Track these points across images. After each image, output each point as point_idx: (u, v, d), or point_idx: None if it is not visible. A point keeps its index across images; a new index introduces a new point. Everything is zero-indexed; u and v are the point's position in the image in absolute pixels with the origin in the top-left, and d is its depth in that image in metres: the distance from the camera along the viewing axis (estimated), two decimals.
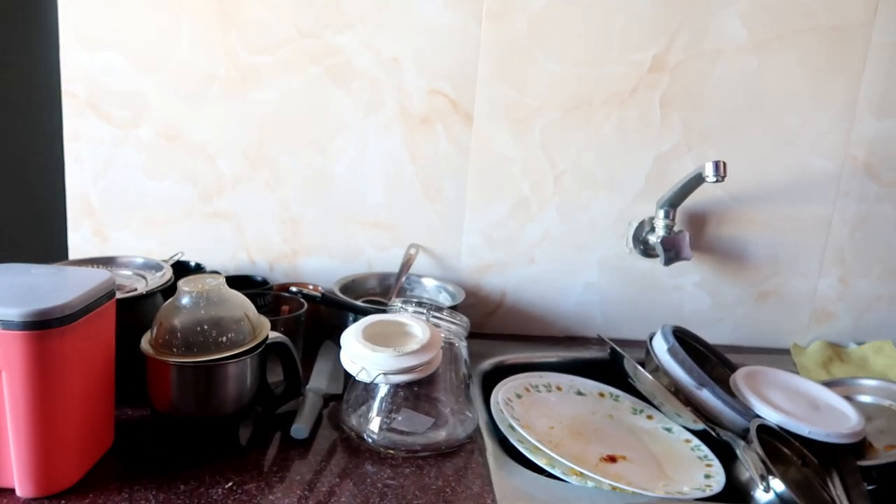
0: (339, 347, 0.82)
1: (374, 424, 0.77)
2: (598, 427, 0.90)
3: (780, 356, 1.14)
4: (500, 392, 0.88)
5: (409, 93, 1.08)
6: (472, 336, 0.87)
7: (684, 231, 1.08)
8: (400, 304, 0.85)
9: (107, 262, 0.91)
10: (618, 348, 0.94)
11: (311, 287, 0.99)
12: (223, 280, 0.77)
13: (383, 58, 1.07)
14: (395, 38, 1.06)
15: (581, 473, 0.73)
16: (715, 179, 0.94)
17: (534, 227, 1.13)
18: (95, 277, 0.68)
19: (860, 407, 0.91)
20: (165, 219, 1.10)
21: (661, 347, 0.93)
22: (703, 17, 1.07)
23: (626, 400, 0.97)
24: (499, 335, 1.15)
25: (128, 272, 0.89)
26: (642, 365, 0.92)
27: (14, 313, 0.59)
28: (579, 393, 0.97)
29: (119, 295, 0.74)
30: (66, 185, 1.09)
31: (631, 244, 1.13)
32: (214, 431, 0.76)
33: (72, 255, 1.10)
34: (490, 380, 0.96)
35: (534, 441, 0.76)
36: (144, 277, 0.88)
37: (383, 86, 1.08)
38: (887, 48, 1.09)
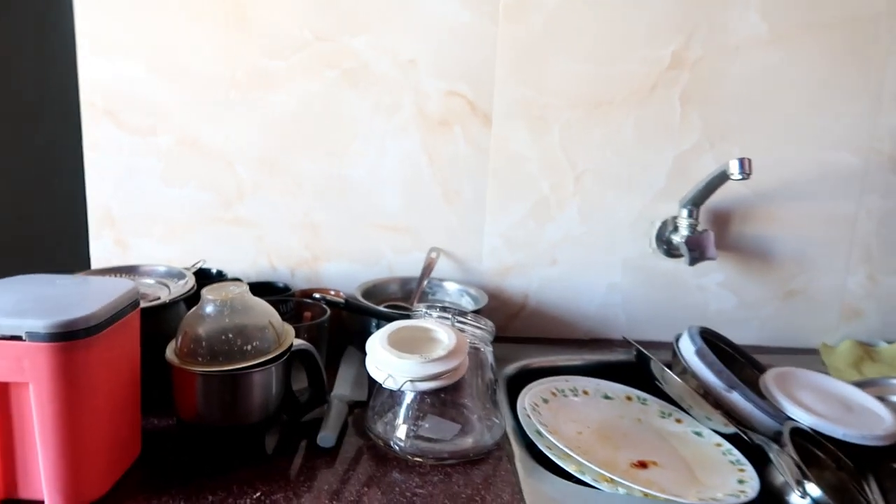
0: (363, 353, 0.81)
1: (401, 432, 0.76)
2: (627, 431, 0.89)
3: (808, 356, 1.12)
4: (527, 397, 0.87)
5: (427, 95, 1.07)
6: (495, 340, 0.86)
7: (709, 230, 1.06)
8: (424, 310, 0.84)
9: (129, 270, 0.91)
10: (644, 350, 0.93)
11: (332, 293, 0.99)
12: (247, 287, 0.76)
13: (400, 60, 1.06)
14: (412, 40, 1.05)
15: (612, 480, 0.72)
16: (740, 177, 0.93)
17: (554, 227, 1.12)
18: (119, 287, 0.68)
19: (894, 407, 0.89)
20: (185, 226, 1.10)
21: (688, 349, 0.92)
22: (722, 12, 1.06)
23: (654, 403, 0.95)
24: (522, 338, 1.14)
25: (150, 281, 0.89)
26: (669, 367, 0.90)
27: (40, 325, 0.59)
28: (606, 397, 0.95)
29: (143, 304, 0.74)
30: (87, 195, 1.09)
31: (654, 244, 1.12)
32: (241, 440, 0.75)
33: (94, 265, 1.11)
34: (515, 384, 0.95)
35: (563, 447, 0.75)
36: (167, 286, 0.87)
37: (400, 88, 1.07)
38: None
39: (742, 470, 0.79)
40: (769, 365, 0.97)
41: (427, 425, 0.77)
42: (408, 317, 0.87)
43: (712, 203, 1.08)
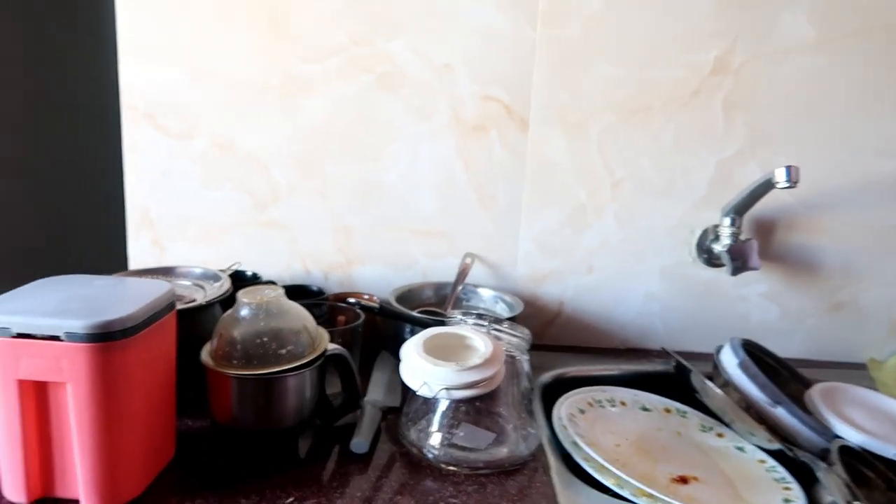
0: (397, 358, 0.80)
1: (435, 439, 0.75)
2: (666, 445, 0.86)
3: (855, 371, 1.08)
4: (563, 407, 0.86)
5: (462, 99, 1.06)
6: (530, 348, 0.84)
7: (752, 239, 1.03)
8: (460, 316, 0.83)
9: (166, 272, 0.92)
10: (684, 362, 0.90)
11: (366, 297, 0.98)
12: (282, 291, 0.76)
13: (435, 64, 1.05)
14: (448, 44, 1.05)
15: (651, 495, 0.70)
16: (787, 185, 0.90)
17: (591, 234, 1.10)
18: (156, 289, 0.68)
19: None
20: (221, 229, 1.11)
21: (730, 362, 0.89)
22: (768, 16, 1.03)
23: (694, 416, 0.92)
24: (557, 347, 1.12)
25: (187, 282, 0.90)
26: (710, 379, 0.88)
27: (78, 325, 0.59)
28: (644, 408, 0.93)
29: (179, 306, 0.74)
30: (126, 197, 1.10)
31: (694, 253, 1.09)
32: (274, 444, 0.75)
33: (132, 266, 1.12)
34: (550, 393, 0.93)
35: (601, 460, 0.73)
36: (203, 288, 0.88)
37: (435, 92, 1.06)
38: None
39: (787, 488, 0.76)
40: (814, 379, 0.94)
41: (461, 434, 0.76)
42: (442, 323, 0.86)
43: (755, 212, 1.05)
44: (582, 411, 0.88)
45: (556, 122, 1.07)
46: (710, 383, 0.85)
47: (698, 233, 1.08)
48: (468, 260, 1.09)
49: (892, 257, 1.10)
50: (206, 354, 0.74)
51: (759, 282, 1.11)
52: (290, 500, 0.66)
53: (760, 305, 1.12)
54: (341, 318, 0.98)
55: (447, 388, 0.73)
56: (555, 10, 1.03)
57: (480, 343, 0.77)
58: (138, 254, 1.12)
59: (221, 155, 1.08)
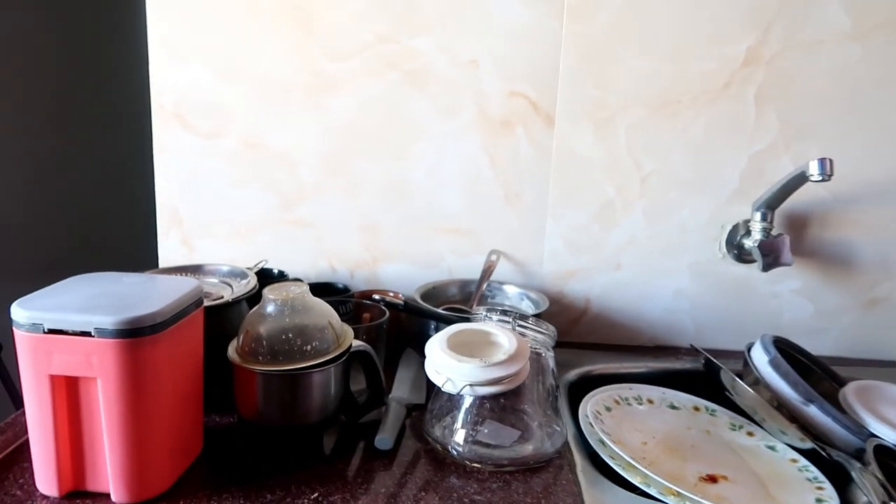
0: (421, 356, 0.80)
1: (459, 436, 0.75)
2: (695, 443, 0.85)
3: (891, 369, 1.05)
4: (589, 404, 0.85)
5: (489, 95, 1.06)
6: (555, 345, 0.84)
7: (784, 234, 1.01)
8: (484, 313, 0.83)
9: (194, 270, 0.93)
10: (713, 359, 0.89)
11: (391, 294, 0.98)
12: (307, 288, 0.76)
13: (461, 61, 1.05)
14: (474, 40, 1.04)
15: (679, 494, 0.69)
16: (820, 178, 0.88)
17: (619, 231, 1.09)
18: (184, 286, 0.69)
19: None
20: (248, 227, 1.12)
21: (761, 359, 0.87)
22: (802, 5, 1.00)
23: (724, 415, 0.91)
24: (584, 344, 1.11)
25: (214, 280, 0.91)
26: (740, 377, 0.86)
27: (108, 321, 0.60)
28: (672, 406, 0.92)
29: (206, 303, 0.75)
30: (156, 196, 1.12)
31: (724, 249, 1.07)
32: (299, 440, 0.75)
33: (161, 264, 1.14)
34: (576, 391, 0.93)
35: (627, 457, 0.72)
36: (230, 285, 0.89)
37: (462, 89, 1.06)
38: None
39: (821, 488, 0.75)
40: (849, 378, 0.92)
41: (486, 431, 0.75)
42: (467, 320, 0.85)
43: (787, 206, 1.03)
44: (608, 409, 0.87)
45: (583, 118, 1.06)
46: (740, 381, 0.84)
47: (728, 228, 1.06)
48: (494, 257, 1.09)
49: None
50: (232, 350, 0.75)
51: (791, 278, 1.09)
52: (315, 495, 0.67)
53: (793, 302, 1.10)
54: (366, 315, 0.99)
55: (471, 385, 0.72)
56: (581, 3, 1.02)
57: (505, 339, 0.76)
58: (168, 252, 1.14)
59: (249, 154, 1.09)
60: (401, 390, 0.88)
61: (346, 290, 1.07)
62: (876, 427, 0.79)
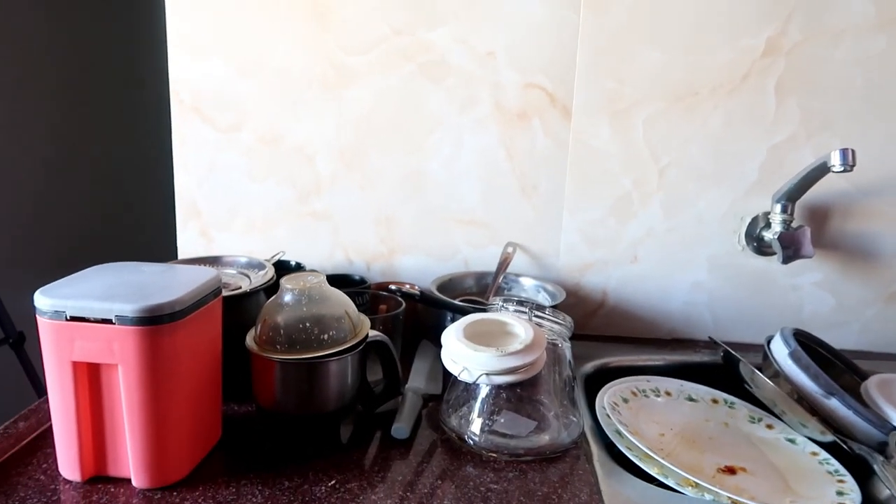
0: (438, 347, 0.80)
1: (476, 426, 0.75)
2: (713, 435, 0.84)
3: None
4: (606, 396, 0.84)
5: (505, 88, 1.06)
6: (572, 337, 0.83)
7: (805, 226, 1.00)
8: (501, 303, 0.83)
9: (213, 261, 0.94)
10: (732, 351, 0.88)
11: (408, 286, 0.99)
12: (324, 278, 0.77)
13: (478, 53, 1.05)
14: (490, 32, 1.04)
15: (697, 485, 0.68)
16: (842, 169, 0.86)
17: (636, 223, 1.08)
18: (203, 275, 0.70)
19: None
20: (265, 219, 1.13)
21: (781, 352, 0.86)
22: None
23: (743, 407, 0.90)
24: (600, 336, 1.10)
25: (232, 271, 0.91)
26: (759, 370, 0.85)
27: (128, 309, 0.61)
28: (690, 399, 0.91)
29: (225, 293, 0.76)
30: (175, 189, 1.13)
31: (743, 241, 1.06)
32: (317, 429, 0.76)
33: (180, 256, 1.15)
34: (593, 383, 0.92)
35: (644, 448, 0.72)
36: (248, 276, 0.89)
37: (478, 81, 1.06)
38: None
39: (842, 481, 0.74)
40: (871, 371, 0.91)
41: (502, 420, 0.75)
42: (483, 311, 0.85)
43: (808, 198, 1.02)
44: (625, 400, 0.86)
45: (599, 110, 1.05)
46: (759, 374, 0.83)
47: (748, 220, 1.05)
48: (510, 249, 1.09)
49: None
50: (250, 339, 0.75)
51: (812, 270, 1.07)
52: (333, 483, 0.67)
53: (814, 295, 1.08)
54: (383, 306, 0.99)
55: (487, 374, 0.72)
56: None
57: (521, 329, 0.76)
58: (186, 244, 1.15)
59: (266, 147, 1.10)
60: (417, 381, 0.88)
61: (362, 281, 1.07)
62: None
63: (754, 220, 1.05)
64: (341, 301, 0.77)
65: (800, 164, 0.99)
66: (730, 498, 0.67)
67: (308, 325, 0.73)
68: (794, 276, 1.08)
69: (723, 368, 0.91)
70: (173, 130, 1.11)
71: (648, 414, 0.86)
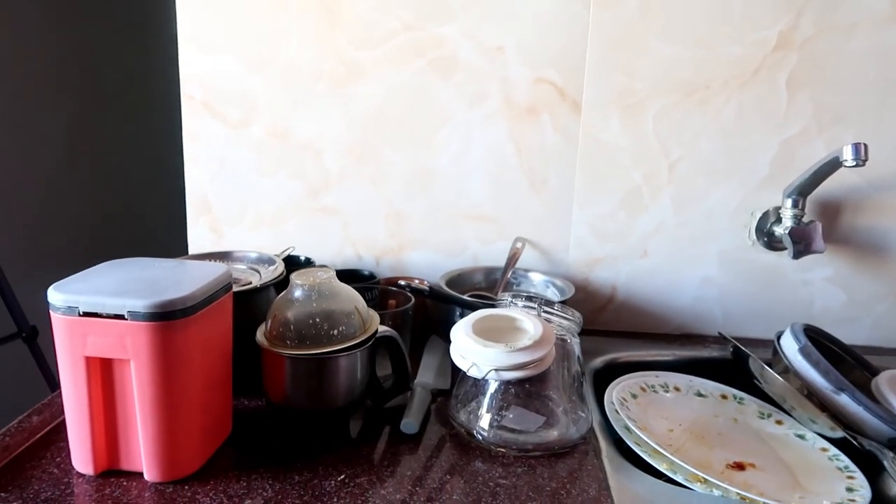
0: (446, 342, 0.80)
1: (485, 421, 0.75)
2: (722, 431, 0.84)
3: None
4: (615, 391, 0.84)
5: (514, 82, 1.05)
6: (581, 333, 0.83)
7: (816, 221, 0.99)
8: (510, 299, 0.83)
9: (223, 256, 0.94)
10: (742, 347, 0.88)
11: (417, 281, 0.99)
12: (334, 273, 0.77)
13: (487, 47, 1.05)
14: (500, 26, 1.04)
15: (706, 480, 0.68)
16: (854, 164, 0.86)
17: (646, 218, 1.08)
18: (214, 271, 0.70)
19: None
20: (275, 215, 1.13)
21: (790, 347, 0.86)
22: None
23: (752, 403, 0.90)
24: (609, 332, 1.10)
25: (242, 266, 0.92)
26: (769, 365, 0.85)
27: (140, 304, 0.61)
28: (699, 394, 0.91)
29: (235, 288, 0.76)
30: (186, 185, 1.13)
31: (754, 236, 1.06)
32: (326, 423, 0.76)
33: (191, 251, 1.15)
34: (601, 378, 0.92)
35: (653, 444, 0.72)
36: (258, 271, 0.90)
37: (487, 76, 1.06)
38: None
39: (851, 477, 0.74)
40: (882, 367, 0.90)
41: (511, 416, 0.75)
42: (493, 306, 0.85)
43: (820, 193, 1.01)
44: (634, 396, 0.86)
45: (610, 104, 1.05)
46: (769, 369, 0.83)
47: (759, 215, 1.05)
48: (519, 244, 1.09)
49: None
50: (260, 335, 0.76)
51: (823, 266, 1.07)
52: (342, 477, 0.68)
53: (825, 290, 1.08)
54: (392, 302, 0.99)
55: (496, 369, 0.73)
56: None
57: (530, 325, 0.76)
58: (197, 239, 1.15)
59: (276, 143, 1.10)
60: (426, 376, 0.88)
61: (371, 276, 1.07)
62: None
63: (765, 215, 1.05)
64: (351, 296, 0.77)
65: (811, 159, 0.99)
66: (739, 494, 0.67)
67: (318, 320, 0.73)
68: (804, 271, 1.07)
69: (732, 364, 0.91)
70: (184, 126, 1.11)
71: (657, 409, 0.86)
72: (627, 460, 0.73)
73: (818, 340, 0.90)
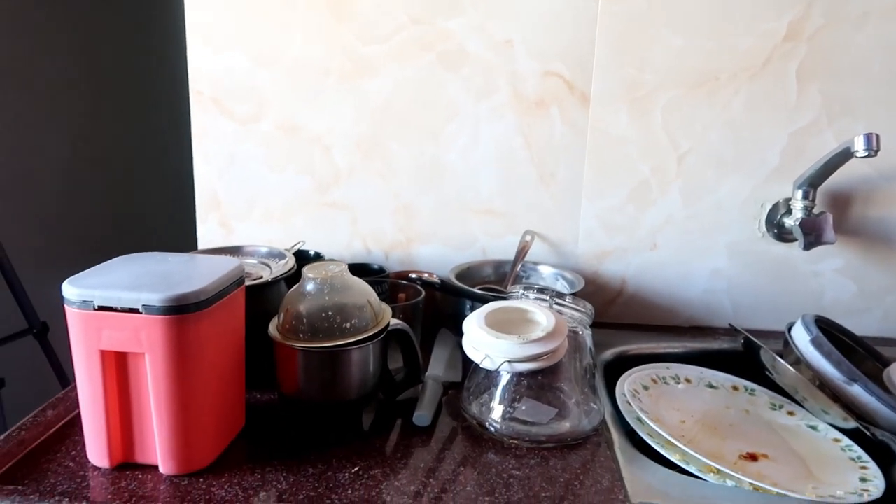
0: (457, 335, 0.80)
1: (497, 413, 0.75)
2: (734, 422, 0.84)
3: None
4: (626, 383, 0.84)
5: (523, 76, 1.05)
6: (591, 325, 0.84)
7: (826, 213, 0.99)
8: (521, 291, 0.83)
9: (234, 251, 0.95)
10: (753, 338, 0.87)
11: (426, 275, 0.99)
12: (346, 267, 0.77)
13: (495, 41, 1.04)
14: (508, 19, 1.03)
15: (719, 471, 0.68)
16: (866, 154, 0.85)
17: (655, 211, 1.08)
18: (226, 265, 0.71)
19: None
20: (284, 209, 1.13)
21: (802, 338, 0.86)
22: None
23: (763, 394, 0.90)
24: (619, 324, 1.10)
25: (253, 261, 0.92)
26: (780, 357, 0.85)
27: (155, 298, 0.61)
28: (711, 386, 0.91)
29: (247, 282, 0.76)
30: (195, 180, 1.14)
31: (763, 228, 1.05)
32: (339, 416, 0.77)
33: (200, 246, 1.16)
34: (612, 370, 0.92)
35: (666, 435, 0.72)
36: (269, 266, 0.90)
37: (496, 70, 1.05)
38: None
39: (865, 467, 0.74)
40: (893, 358, 0.90)
41: (523, 408, 0.76)
42: (503, 299, 0.85)
43: (830, 184, 1.01)
44: (645, 388, 0.86)
45: (618, 97, 1.04)
46: (780, 360, 0.83)
47: (768, 207, 1.05)
48: (528, 237, 1.09)
49: None
50: (273, 328, 0.76)
51: (834, 257, 1.06)
52: (356, 469, 0.68)
53: (835, 282, 1.08)
54: (402, 295, 0.99)
55: (509, 361, 0.73)
56: None
57: (542, 317, 0.76)
58: (207, 234, 1.16)
59: (285, 138, 1.11)
60: (437, 369, 0.89)
61: (381, 270, 1.08)
62: None
63: (775, 207, 1.04)
64: (363, 290, 0.77)
65: (821, 150, 0.98)
66: (752, 484, 0.67)
67: (330, 313, 0.74)
68: (815, 262, 1.07)
69: (743, 356, 0.91)
70: (192, 122, 1.11)
71: (669, 401, 0.86)
72: (640, 452, 0.73)
73: (829, 331, 0.90)
